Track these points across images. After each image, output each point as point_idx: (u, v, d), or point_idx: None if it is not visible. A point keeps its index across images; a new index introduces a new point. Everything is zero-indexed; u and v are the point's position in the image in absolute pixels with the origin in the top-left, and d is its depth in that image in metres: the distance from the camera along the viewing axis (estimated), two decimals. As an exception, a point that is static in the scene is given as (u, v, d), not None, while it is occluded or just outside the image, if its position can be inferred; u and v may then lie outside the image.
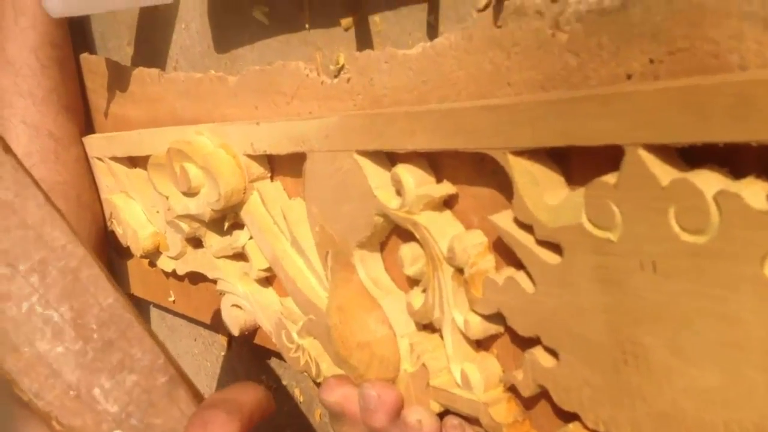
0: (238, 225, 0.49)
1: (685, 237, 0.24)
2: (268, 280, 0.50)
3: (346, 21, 0.41)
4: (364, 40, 0.40)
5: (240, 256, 0.51)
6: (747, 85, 0.22)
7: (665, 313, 0.26)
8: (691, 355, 0.26)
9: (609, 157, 0.27)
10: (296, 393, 0.56)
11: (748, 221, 0.23)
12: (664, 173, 0.25)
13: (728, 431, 0.25)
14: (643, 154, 0.25)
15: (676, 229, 0.25)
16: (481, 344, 0.36)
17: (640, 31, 0.26)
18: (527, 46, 0.30)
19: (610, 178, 0.26)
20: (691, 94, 0.23)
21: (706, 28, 0.24)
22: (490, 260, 0.33)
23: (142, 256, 0.61)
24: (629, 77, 0.27)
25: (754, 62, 0.23)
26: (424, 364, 0.37)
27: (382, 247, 0.40)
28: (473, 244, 0.33)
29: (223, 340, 0.63)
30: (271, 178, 0.46)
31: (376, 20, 0.39)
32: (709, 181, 0.24)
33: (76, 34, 0.65)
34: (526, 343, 0.33)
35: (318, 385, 0.51)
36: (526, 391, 0.32)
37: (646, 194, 0.25)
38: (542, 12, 0.29)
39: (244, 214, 0.47)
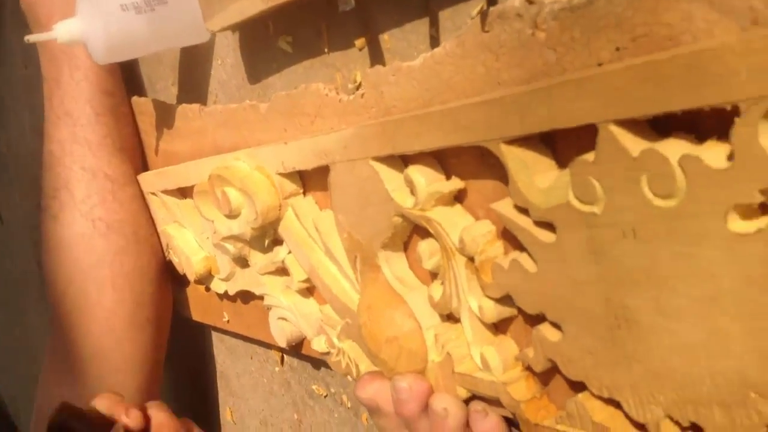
0: (278, 241, 0.53)
1: (658, 202, 0.27)
2: (309, 290, 0.53)
3: (360, 41, 0.44)
4: (377, 58, 0.44)
5: (282, 270, 0.54)
6: (694, 55, 0.24)
7: (647, 276, 0.28)
8: (673, 313, 0.27)
9: (590, 137, 0.29)
10: (344, 399, 0.59)
11: (710, 181, 0.25)
12: (635, 145, 0.27)
13: (714, 383, 0.27)
14: (615, 129, 0.27)
15: (650, 195, 0.27)
16: (498, 328, 0.38)
17: (606, 23, 0.28)
18: (512, 46, 0.32)
19: (589, 156, 0.29)
20: (648, 69, 0.25)
21: (661, 14, 0.27)
22: (498, 247, 0.36)
23: (196, 281, 0.65)
24: (600, 65, 0.29)
25: (705, 40, 0.26)
26: (448, 353, 0.39)
27: (405, 246, 0.43)
28: (482, 233, 0.36)
29: (276, 356, 0.67)
30: (304, 193, 0.50)
31: (385, 38, 0.43)
32: (674, 148, 0.26)
33: (127, 80, 0.71)
34: (536, 321, 0.35)
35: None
36: (538, 367, 0.34)
37: (620, 166, 0.27)
38: (522, 14, 0.32)
39: (282, 230, 0.51)
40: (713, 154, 0.25)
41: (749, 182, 0.23)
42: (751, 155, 0.23)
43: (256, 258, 0.55)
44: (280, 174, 0.49)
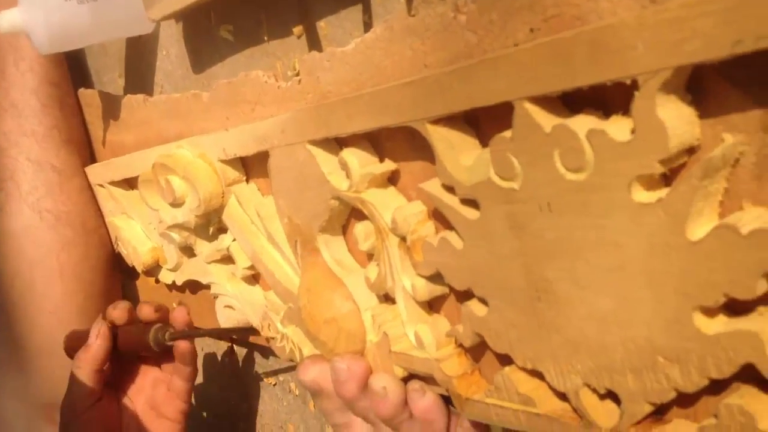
0: (223, 229, 0.53)
1: (570, 176, 0.28)
2: (254, 277, 0.54)
3: (298, 29, 0.45)
4: (315, 45, 0.44)
5: (227, 258, 0.54)
6: (595, 32, 0.25)
7: (562, 248, 0.29)
8: (587, 283, 0.29)
9: (509, 116, 0.30)
10: (292, 387, 0.59)
11: (614, 153, 0.26)
12: (547, 121, 0.28)
13: (626, 350, 0.28)
14: (529, 106, 0.28)
15: (562, 170, 0.28)
16: (432, 307, 0.39)
17: (520, 4, 0.29)
18: (436, 30, 0.33)
19: (507, 133, 0.30)
20: (555, 47, 0.26)
21: (569, -6, 0.28)
22: (429, 227, 0.37)
23: (143, 272, 0.64)
24: (516, 46, 0.30)
25: (609, 18, 0.27)
26: (385, 333, 0.40)
27: (345, 230, 0.44)
28: (413, 213, 0.37)
29: (225, 345, 0.67)
30: (247, 180, 0.50)
31: (321, 25, 0.43)
32: (582, 123, 0.27)
33: (74, 72, 0.70)
34: (467, 298, 0.36)
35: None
36: (467, 341, 0.35)
37: (535, 142, 0.28)
38: (444, -3, 0.32)
39: (225, 218, 0.51)
40: (617, 127, 0.26)
41: (649, 153, 0.25)
42: (650, 127, 0.24)
43: (202, 246, 0.55)
44: (223, 161, 0.49)
